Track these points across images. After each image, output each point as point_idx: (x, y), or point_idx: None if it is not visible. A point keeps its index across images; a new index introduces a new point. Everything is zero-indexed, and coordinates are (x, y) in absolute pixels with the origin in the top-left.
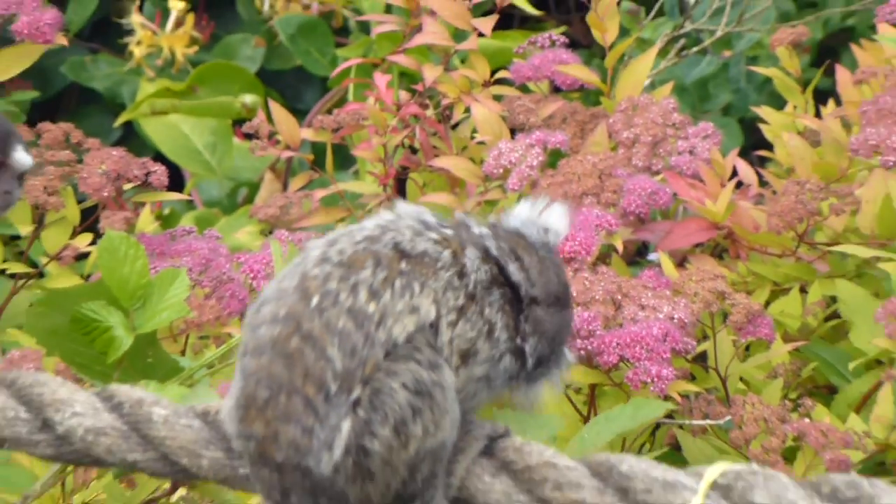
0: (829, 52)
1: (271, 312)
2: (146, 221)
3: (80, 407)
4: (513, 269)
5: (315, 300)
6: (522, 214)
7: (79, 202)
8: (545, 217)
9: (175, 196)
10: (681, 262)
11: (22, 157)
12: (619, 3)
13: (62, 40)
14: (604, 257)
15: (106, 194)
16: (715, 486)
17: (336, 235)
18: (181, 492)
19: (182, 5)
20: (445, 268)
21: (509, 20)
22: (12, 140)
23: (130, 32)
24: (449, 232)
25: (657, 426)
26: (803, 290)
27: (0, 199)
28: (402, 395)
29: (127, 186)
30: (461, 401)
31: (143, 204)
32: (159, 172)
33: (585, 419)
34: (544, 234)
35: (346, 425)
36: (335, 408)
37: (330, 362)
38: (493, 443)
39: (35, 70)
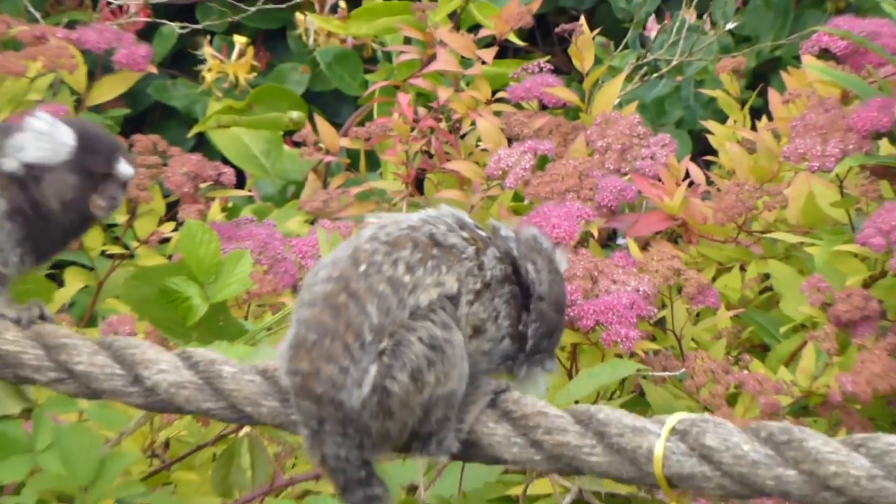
0: (761, 77)
1: (326, 274)
2: (216, 212)
3: (164, 365)
4: (529, 269)
5: (363, 267)
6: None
7: (164, 197)
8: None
9: (239, 192)
10: (644, 246)
11: (125, 168)
12: (593, 38)
13: (151, 69)
14: (583, 241)
15: (186, 191)
16: (674, 431)
17: (385, 221)
18: (246, 429)
19: (244, 40)
20: (469, 259)
21: (505, 51)
22: (117, 153)
23: (203, 62)
24: (482, 233)
25: (625, 377)
26: (742, 269)
27: (107, 204)
28: (419, 347)
29: (202, 185)
30: (470, 365)
31: (213, 198)
32: (228, 173)
33: (569, 374)
34: (554, 248)
35: (374, 368)
36: (367, 354)
37: (368, 317)
38: (497, 396)
39: (126, 91)
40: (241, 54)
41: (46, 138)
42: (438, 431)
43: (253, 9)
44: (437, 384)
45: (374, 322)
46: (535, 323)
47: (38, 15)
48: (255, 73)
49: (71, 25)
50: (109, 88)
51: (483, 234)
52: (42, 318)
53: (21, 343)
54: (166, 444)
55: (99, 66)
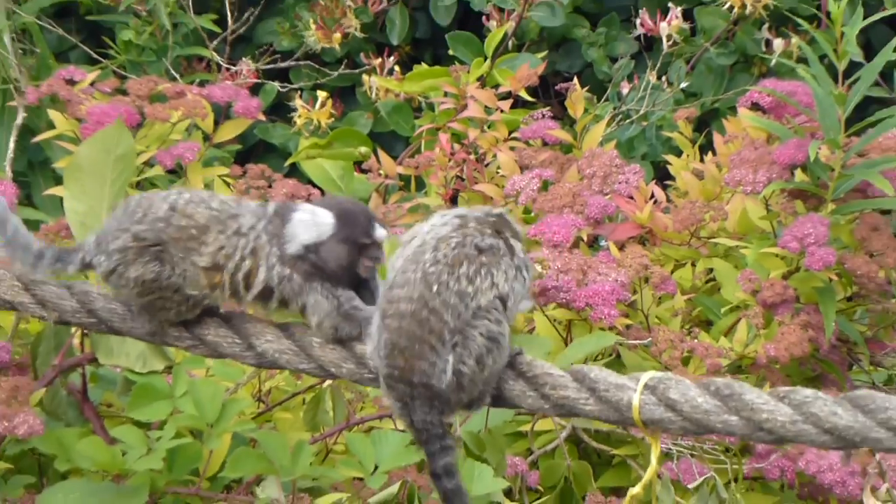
0: (704, 123)
1: (406, 294)
2: None
3: (270, 336)
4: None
5: (435, 287)
6: None
7: None
8: None
9: None
10: (621, 248)
11: (381, 232)
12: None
13: (260, 116)
14: (575, 244)
15: None
16: (646, 386)
17: (435, 242)
18: (328, 382)
19: (325, 95)
20: (504, 253)
21: (517, 102)
22: (372, 221)
23: (295, 110)
24: (492, 220)
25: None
26: (693, 265)
27: (372, 263)
28: (481, 340)
29: (298, 201)
30: None
31: None
32: (315, 193)
33: (566, 342)
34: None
35: (451, 358)
36: (447, 349)
37: (446, 323)
38: (514, 359)
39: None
40: (323, 105)
41: (311, 223)
42: (484, 396)
43: (335, 73)
44: (493, 365)
45: (451, 326)
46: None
47: (177, 75)
48: (332, 119)
49: (202, 84)
50: (229, 131)
51: (493, 219)
52: None
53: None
54: (268, 392)
55: (222, 114)
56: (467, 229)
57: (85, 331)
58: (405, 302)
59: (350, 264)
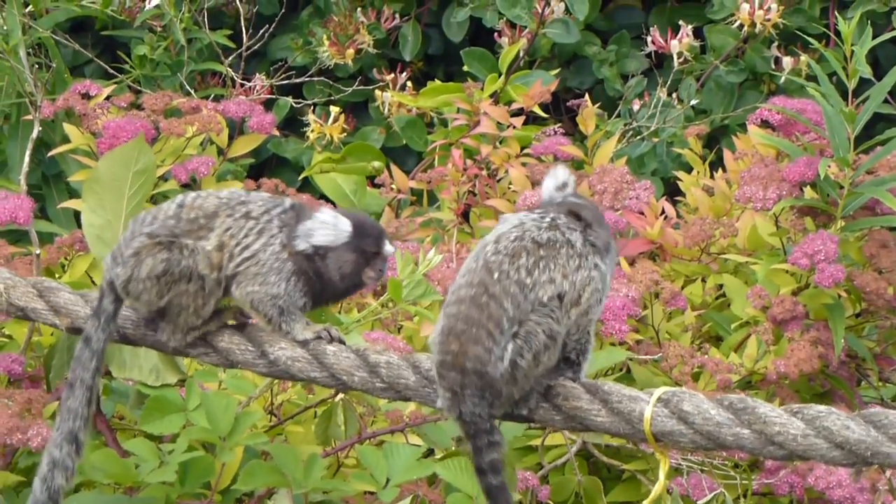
0: (714, 140)
1: (467, 281)
2: None
3: (283, 343)
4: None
5: (496, 275)
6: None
7: None
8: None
9: None
10: (632, 263)
11: (389, 247)
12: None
13: (274, 131)
14: None
15: None
16: (660, 399)
17: (496, 236)
18: (340, 395)
19: (337, 110)
20: (562, 245)
21: (529, 119)
22: (384, 236)
23: (308, 125)
24: (553, 215)
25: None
26: (703, 281)
27: (376, 275)
28: (542, 337)
29: None
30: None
31: None
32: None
33: None
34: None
35: (511, 347)
36: (505, 337)
37: (506, 311)
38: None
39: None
40: (336, 120)
41: (331, 227)
42: (534, 394)
43: (348, 89)
44: (547, 362)
45: (511, 315)
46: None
47: (191, 90)
48: (345, 134)
49: (216, 99)
50: (244, 145)
51: (551, 215)
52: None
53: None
54: (280, 406)
55: (237, 128)
56: (526, 225)
57: None
58: (465, 288)
59: (353, 272)
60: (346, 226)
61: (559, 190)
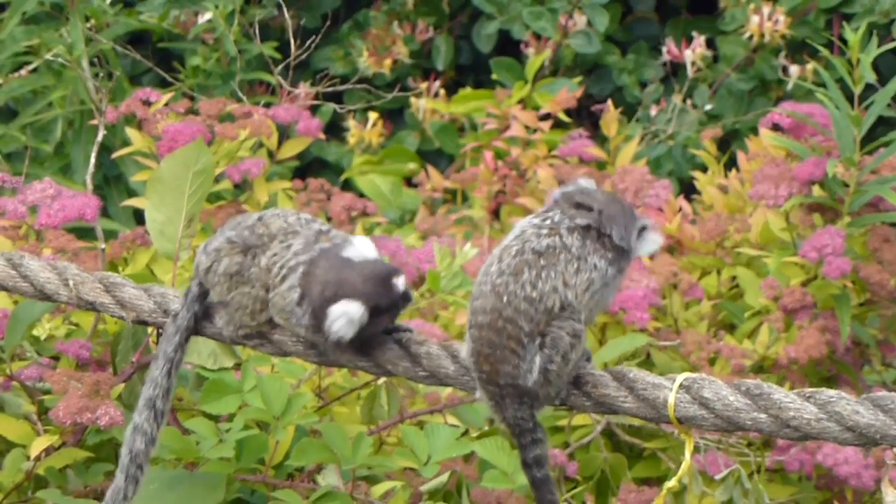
0: (726, 143)
1: (481, 306)
2: (360, 231)
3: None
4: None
5: (505, 298)
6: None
7: (327, 219)
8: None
9: (374, 218)
10: (652, 256)
11: (401, 288)
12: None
13: (319, 135)
14: None
15: (343, 217)
16: (681, 386)
17: (500, 252)
18: (383, 379)
19: (375, 116)
20: (559, 249)
21: (555, 123)
22: (395, 282)
23: (348, 130)
24: (555, 217)
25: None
26: (718, 273)
27: (403, 308)
28: (567, 339)
29: (353, 213)
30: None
31: (357, 220)
32: (371, 206)
33: (600, 343)
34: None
35: (538, 359)
36: (529, 351)
37: (522, 329)
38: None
39: None
40: (374, 125)
41: (348, 322)
42: (563, 389)
43: (386, 97)
44: (576, 360)
45: (527, 330)
46: (622, 229)
47: (243, 97)
48: (383, 138)
49: (267, 105)
50: (292, 148)
51: (556, 217)
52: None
53: None
54: (326, 389)
55: (284, 133)
56: (525, 234)
57: (160, 331)
58: (481, 314)
59: (383, 329)
60: (358, 312)
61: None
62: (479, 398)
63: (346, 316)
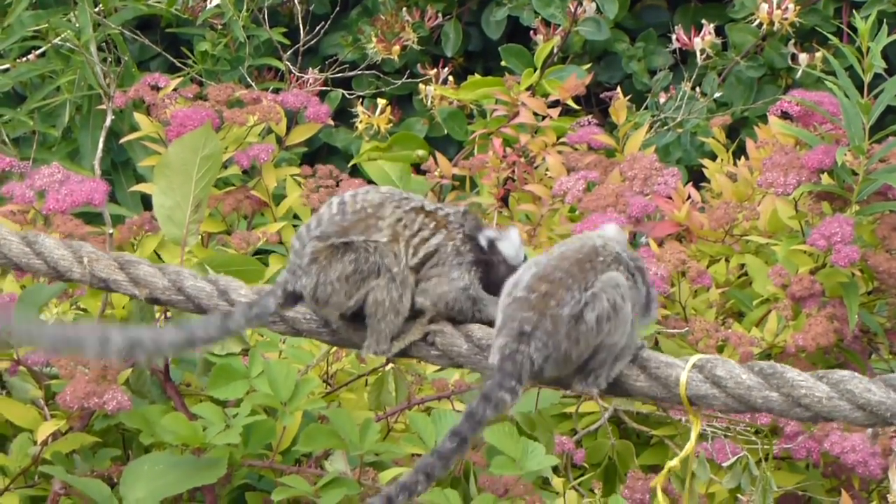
0: (735, 130)
1: (559, 252)
2: None
3: None
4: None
5: (583, 253)
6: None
7: None
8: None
9: None
10: (660, 244)
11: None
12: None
13: (328, 121)
14: None
15: None
16: (694, 366)
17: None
18: (391, 365)
19: (384, 102)
20: (633, 275)
21: (564, 110)
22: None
23: (357, 116)
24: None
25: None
26: (727, 260)
27: None
28: (606, 304)
29: None
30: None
31: None
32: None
33: None
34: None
35: (581, 300)
36: (577, 295)
37: (587, 274)
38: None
39: None
40: (382, 111)
41: (519, 247)
42: (596, 370)
43: (395, 84)
44: (608, 333)
45: (580, 285)
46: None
47: (252, 82)
48: (391, 124)
49: (275, 91)
50: (300, 134)
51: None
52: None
53: (250, 297)
54: (334, 375)
55: (293, 119)
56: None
57: (167, 316)
58: (572, 252)
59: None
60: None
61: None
62: (496, 340)
63: (519, 243)
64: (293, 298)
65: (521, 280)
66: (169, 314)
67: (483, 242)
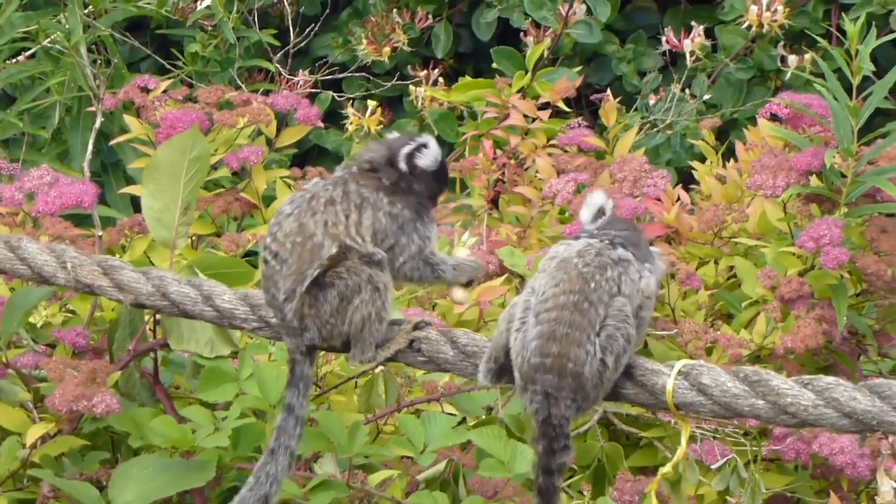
0: (724, 132)
1: (564, 289)
2: None
3: None
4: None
5: (592, 284)
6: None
7: None
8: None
9: None
10: (651, 243)
11: None
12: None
13: (318, 123)
14: None
15: None
16: (680, 372)
17: (577, 252)
18: (380, 367)
19: (374, 104)
20: (629, 262)
21: (555, 112)
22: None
23: (347, 118)
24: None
25: None
26: (716, 262)
27: None
28: (622, 342)
29: None
30: None
31: None
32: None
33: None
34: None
35: (598, 345)
36: (593, 342)
37: (600, 316)
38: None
39: None
40: (373, 113)
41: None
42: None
43: (385, 85)
44: (621, 365)
45: (602, 319)
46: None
47: (241, 84)
48: (381, 126)
49: (265, 93)
50: (290, 136)
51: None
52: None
53: (234, 302)
54: (324, 377)
55: (283, 120)
56: (596, 245)
57: (157, 318)
58: (564, 295)
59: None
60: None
61: (597, 217)
62: (524, 397)
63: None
64: (311, 350)
65: (527, 340)
66: (158, 317)
67: (404, 167)
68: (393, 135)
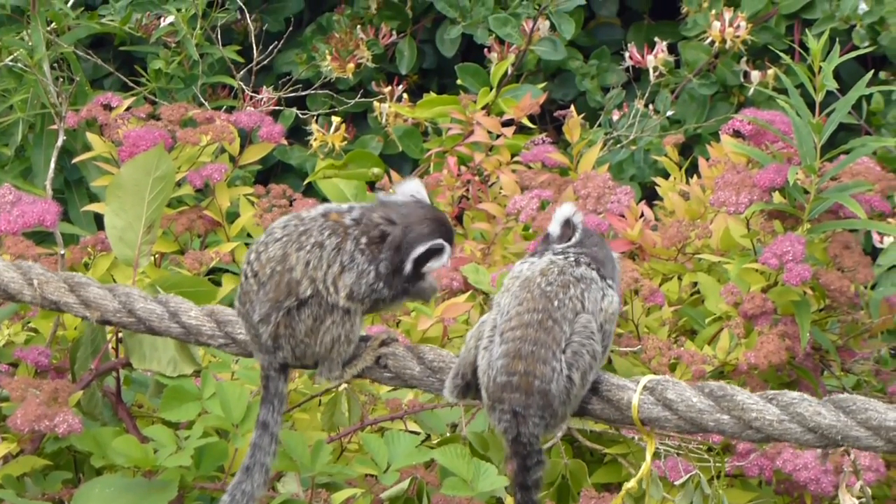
0: (688, 148)
1: (528, 308)
2: None
3: None
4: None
5: (556, 302)
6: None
7: None
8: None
9: None
10: None
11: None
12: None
13: (281, 140)
14: None
15: None
16: (645, 388)
17: (539, 271)
18: (344, 385)
19: (338, 120)
20: (591, 280)
21: (519, 128)
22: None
23: (311, 134)
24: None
25: None
26: (679, 278)
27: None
28: (588, 357)
29: None
30: None
31: None
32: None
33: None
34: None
35: (564, 363)
36: (559, 359)
37: (564, 333)
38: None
39: None
40: (337, 129)
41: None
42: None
43: (349, 102)
44: (588, 383)
45: (567, 336)
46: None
47: (204, 101)
48: (346, 142)
49: (229, 110)
50: (254, 153)
51: (576, 251)
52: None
53: (201, 319)
54: (288, 395)
55: (247, 137)
56: (560, 264)
57: (119, 337)
58: (528, 313)
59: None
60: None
61: (566, 229)
62: (492, 416)
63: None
64: (284, 368)
65: (493, 359)
66: (121, 335)
67: (408, 268)
68: (418, 193)
